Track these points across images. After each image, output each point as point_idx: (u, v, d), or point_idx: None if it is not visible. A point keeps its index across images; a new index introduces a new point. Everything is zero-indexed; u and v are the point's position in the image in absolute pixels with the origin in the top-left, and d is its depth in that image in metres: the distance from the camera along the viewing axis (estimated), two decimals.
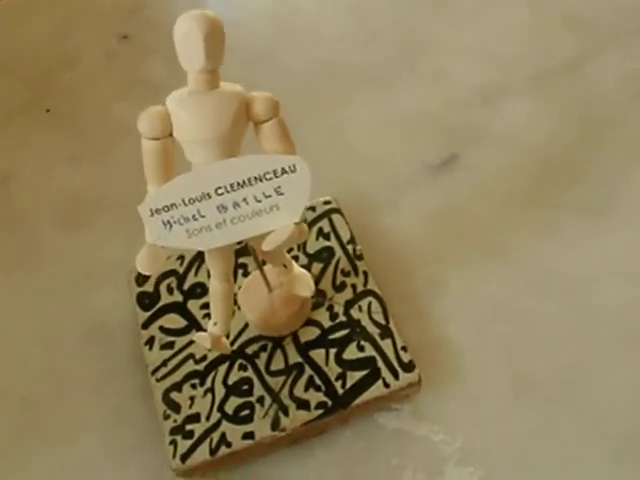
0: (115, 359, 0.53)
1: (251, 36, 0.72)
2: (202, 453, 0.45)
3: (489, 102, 0.64)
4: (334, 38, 0.71)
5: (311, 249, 0.53)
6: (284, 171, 0.37)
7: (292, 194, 0.38)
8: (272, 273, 0.48)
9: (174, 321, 0.51)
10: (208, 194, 0.37)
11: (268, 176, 0.37)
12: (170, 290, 0.52)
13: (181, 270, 0.53)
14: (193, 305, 0.51)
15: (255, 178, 0.37)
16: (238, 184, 0.37)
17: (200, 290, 0.52)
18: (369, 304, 0.50)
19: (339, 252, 0.52)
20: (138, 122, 0.36)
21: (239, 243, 0.40)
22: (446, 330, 0.51)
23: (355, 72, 0.68)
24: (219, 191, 0.37)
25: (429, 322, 0.52)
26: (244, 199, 0.38)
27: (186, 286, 0.52)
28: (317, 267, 0.52)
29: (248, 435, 0.46)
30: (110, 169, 0.63)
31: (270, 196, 0.38)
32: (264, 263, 0.47)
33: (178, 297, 0.52)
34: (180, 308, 0.51)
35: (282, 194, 0.38)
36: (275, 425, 0.46)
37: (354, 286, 0.51)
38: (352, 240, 0.53)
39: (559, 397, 0.48)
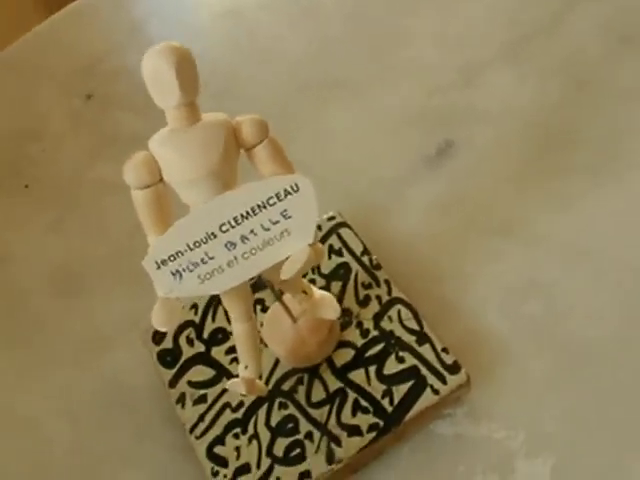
0: (142, 421, 0.51)
1: (215, 67, 0.70)
2: None
3: (471, 80, 0.62)
4: (298, 50, 0.70)
5: (326, 269, 0.51)
6: (287, 192, 0.35)
7: (300, 214, 0.36)
8: (293, 302, 0.46)
9: (202, 373, 0.49)
10: (213, 233, 0.35)
11: (271, 201, 0.35)
12: (190, 342, 0.50)
13: (197, 319, 0.51)
14: (217, 352, 0.49)
15: (258, 206, 0.35)
16: (242, 216, 0.35)
17: (221, 335, 0.50)
18: (398, 312, 0.48)
19: (355, 266, 0.50)
20: (124, 173, 0.34)
21: (252, 278, 0.38)
22: (480, 320, 0.49)
23: (328, 80, 0.66)
24: (223, 228, 0.35)
25: (462, 316, 0.50)
26: (251, 231, 0.36)
27: (206, 334, 0.50)
28: (336, 286, 0.50)
29: (305, 475, 0.43)
30: (99, 230, 0.61)
31: (278, 222, 0.36)
32: (282, 293, 0.45)
33: (200, 347, 0.50)
34: (205, 358, 0.49)
35: (290, 217, 0.36)
36: (330, 458, 0.43)
37: (379, 297, 0.49)
38: (366, 251, 0.51)
39: (613, 362, 0.46)
